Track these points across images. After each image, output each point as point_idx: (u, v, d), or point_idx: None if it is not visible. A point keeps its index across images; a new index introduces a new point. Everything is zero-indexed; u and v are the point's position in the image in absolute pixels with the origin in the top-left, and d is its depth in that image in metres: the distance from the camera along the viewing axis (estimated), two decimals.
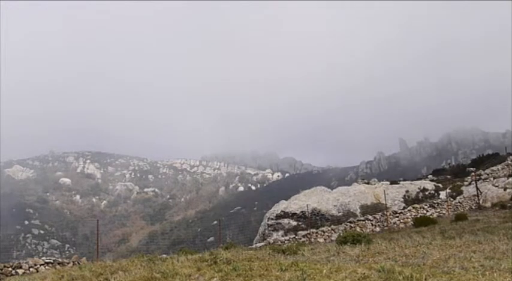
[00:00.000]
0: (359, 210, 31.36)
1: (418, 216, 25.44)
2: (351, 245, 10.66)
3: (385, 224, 25.65)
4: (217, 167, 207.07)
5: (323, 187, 37.18)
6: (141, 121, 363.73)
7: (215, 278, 7.07)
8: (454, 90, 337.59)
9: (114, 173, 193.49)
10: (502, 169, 32.90)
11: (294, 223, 30.73)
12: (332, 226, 26.09)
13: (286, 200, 34.61)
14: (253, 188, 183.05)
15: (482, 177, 32.60)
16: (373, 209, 30.33)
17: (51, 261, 14.75)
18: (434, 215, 26.43)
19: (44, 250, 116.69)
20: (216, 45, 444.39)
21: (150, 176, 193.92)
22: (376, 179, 57.59)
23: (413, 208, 27.30)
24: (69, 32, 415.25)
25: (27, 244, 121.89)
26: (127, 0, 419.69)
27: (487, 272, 6.32)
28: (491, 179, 31.48)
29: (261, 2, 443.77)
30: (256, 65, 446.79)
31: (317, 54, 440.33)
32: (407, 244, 10.16)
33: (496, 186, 29.22)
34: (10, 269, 13.85)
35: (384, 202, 29.14)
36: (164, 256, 12.43)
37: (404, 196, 33.41)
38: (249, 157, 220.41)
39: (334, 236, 22.26)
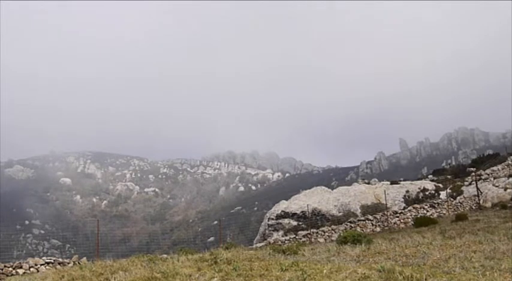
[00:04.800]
0: (359, 210, 31.35)
1: (419, 216, 25.45)
2: (351, 245, 10.66)
3: (386, 224, 25.66)
4: (218, 167, 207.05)
5: (323, 187, 37.20)
6: (142, 121, 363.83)
7: (215, 278, 7.08)
8: (454, 90, 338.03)
9: (114, 173, 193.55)
10: (503, 169, 32.90)
11: (295, 223, 30.74)
12: (332, 226, 26.11)
13: (286, 200, 34.63)
14: (254, 188, 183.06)
15: (483, 177, 32.59)
16: (374, 209, 30.33)
17: (52, 261, 14.77)
18: (435, 215, 26.44)
19: (45, 250, 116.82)
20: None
21: (150, 176, 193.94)
22: (376, 179, 57.66)
23: (414, 208, 27.31)
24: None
25: (27, 244, 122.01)
26: None
27: (488, 273, 6.32)
28: (492, 179, 31.48)
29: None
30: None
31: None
32: (407, 244, 10.16)
33: (497, 186, 29.20)
34: (11, 269, 13.87)
35: (384, 202, 29.14)
36: (164, 256, 12.43)
37: (405, 196, 33.40)
38: (250, 157, 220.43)
39: (335, 236, 22.27)
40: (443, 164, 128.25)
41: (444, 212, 27.13)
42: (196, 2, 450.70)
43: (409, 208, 27.59)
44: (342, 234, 13.31)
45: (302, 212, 30.76)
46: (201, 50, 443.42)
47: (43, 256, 16.04)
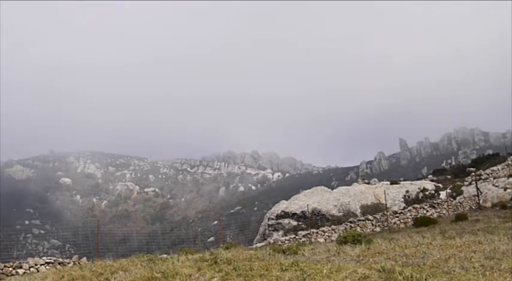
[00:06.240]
0: (359, 210, 31.36)
1: (418, 216, 25.47)
2: (351, 245, 10.66)
3: (386, 224, 25.66)
4: (218, 167, 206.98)
5: (323, 187, 37.20)
6: (142, 120, 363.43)
7: (215, 278, 7.08)
8: (453, 90, 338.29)
9: (114, 173, 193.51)
10: (502, 169, 32.91)
11: (294, 223, 30.74)
12: (332, 226, 26.11)
13: (286, 200, 34.64)
14: (254, 188, 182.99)
15: (483, 177, 32.60)
16: (374, 209, 30.33)
17: (52, 261, 14.77)
18: (435, 215, 26.45)
19: (45, 250, 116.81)
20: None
21: (150, 176, 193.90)
22: (376, 179, 57.66)
23: (414, 208, 27.31)
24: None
25: (27, 244, 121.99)
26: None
27: (487, 273, 6.32)
28: (492, 179, 31.48)
29: None
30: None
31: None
32: (407, 244, 10.15)
33: (496, 186, 29.20)
34: (11, 269, 13.87)
35: (384, 202, 29.14)
36: (164, 255, 12.44)
37: (405, 196, 33.40)
38: (250, 157, 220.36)
39: (335, 236, 22.27)
40: (443, 164, 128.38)
41: (444, 212, 27.13)
42: None
43: (409, 208, 27.59)
44: (341, 234, 13.31)
45: (302, 212, 30.76)
46: (201, 48, 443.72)
47: (43, 256, 16.04)
